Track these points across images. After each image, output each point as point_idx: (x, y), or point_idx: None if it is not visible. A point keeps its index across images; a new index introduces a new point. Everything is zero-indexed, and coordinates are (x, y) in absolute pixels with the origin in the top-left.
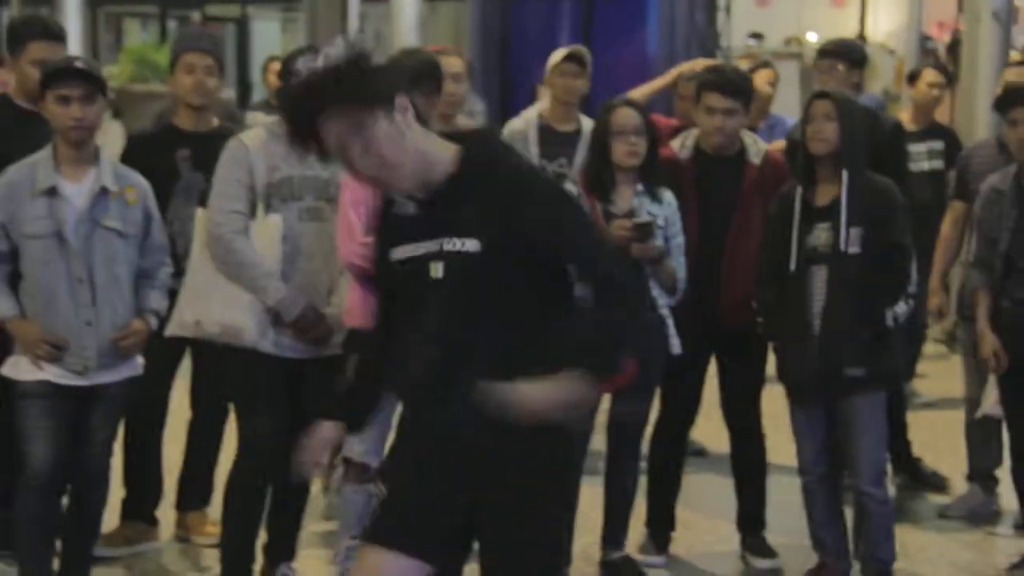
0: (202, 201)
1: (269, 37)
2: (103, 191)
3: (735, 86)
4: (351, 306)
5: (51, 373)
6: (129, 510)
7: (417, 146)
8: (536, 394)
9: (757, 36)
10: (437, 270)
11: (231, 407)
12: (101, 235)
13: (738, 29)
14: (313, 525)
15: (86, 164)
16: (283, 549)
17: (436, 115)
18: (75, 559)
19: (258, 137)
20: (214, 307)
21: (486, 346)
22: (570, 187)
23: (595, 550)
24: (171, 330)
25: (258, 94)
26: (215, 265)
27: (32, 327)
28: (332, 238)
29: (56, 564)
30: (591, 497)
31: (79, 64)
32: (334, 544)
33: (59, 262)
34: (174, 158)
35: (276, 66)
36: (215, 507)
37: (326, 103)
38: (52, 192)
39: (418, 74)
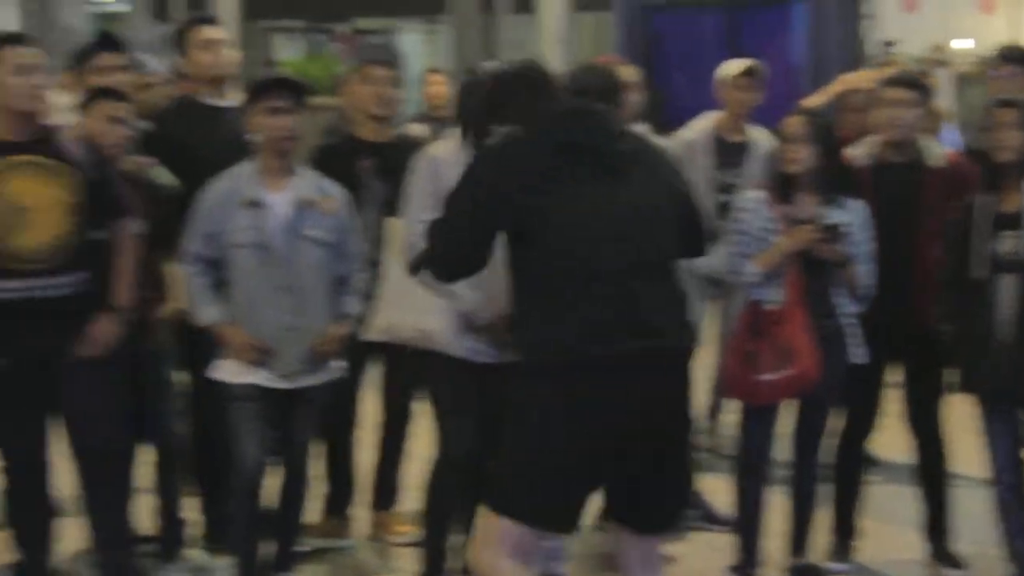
0: (386, 209)
1: (412, 50)
2: (304, 201)
3: (912, 80)
4: None
5: (258, 377)
6: (325, 508)
7: None
8: None
9: (890, 44)
10: None
11: (414, 410)
12: (303, 244)
13: (884, 36)
14: None
15: (287, 174)
16: None
17: None
18: (282, 553)
19: (448, 148)
20: (408, 312)
21: None
22: (751, 195)
23: (782, 555)
24: (367, 335)
25: (411, 105)
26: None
27: (240, 332)
28: None
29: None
30: (775, 504)
31: (288, 75)
32: None
33: (263, 270)
34: (357, 168)
35: (436, 78)
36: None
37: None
38: (256, 203)
39: (606, 89)
